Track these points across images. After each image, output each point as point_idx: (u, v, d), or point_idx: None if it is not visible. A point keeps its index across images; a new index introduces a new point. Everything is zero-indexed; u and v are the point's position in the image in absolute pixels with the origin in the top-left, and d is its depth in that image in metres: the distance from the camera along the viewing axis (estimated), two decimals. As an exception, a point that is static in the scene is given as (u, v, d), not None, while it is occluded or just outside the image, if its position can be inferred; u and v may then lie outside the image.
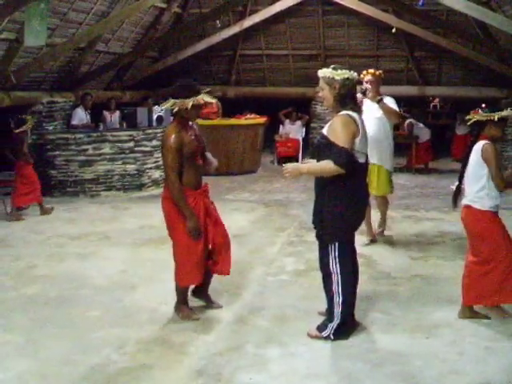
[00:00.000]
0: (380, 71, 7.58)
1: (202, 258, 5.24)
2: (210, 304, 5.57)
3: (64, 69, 12.79)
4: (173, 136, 5.02)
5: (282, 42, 16.33)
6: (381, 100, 7.27)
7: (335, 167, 4.48)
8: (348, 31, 15.74)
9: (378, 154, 7.40)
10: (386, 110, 7.30)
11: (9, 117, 9.88)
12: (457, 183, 5.25)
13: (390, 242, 7.81)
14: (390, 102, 7.37)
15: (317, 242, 4.96)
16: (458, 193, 5.24)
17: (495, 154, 4.90)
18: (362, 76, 7.25)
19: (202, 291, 5.60)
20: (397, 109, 7.48)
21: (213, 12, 14.50)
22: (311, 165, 4.79)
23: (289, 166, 4.74)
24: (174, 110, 5.08)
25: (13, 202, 9.49)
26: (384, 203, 7.92)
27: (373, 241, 7.78)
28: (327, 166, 4.53)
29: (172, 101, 5.08)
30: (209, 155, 5.52)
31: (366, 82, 7.37)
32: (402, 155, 15.19)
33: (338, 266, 4.75)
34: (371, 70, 7.45)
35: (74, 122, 11.95)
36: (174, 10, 14.77)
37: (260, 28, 15.95)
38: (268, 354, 4.60)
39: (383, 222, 8.06)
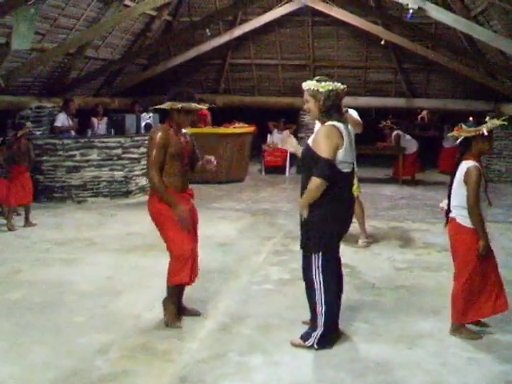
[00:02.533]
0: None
1: (194, 256, 5.27)
2: (187, 313, 5.54)
3: (53, 74, 12.78)
4: (159, 133, 5.12)
5: (271, 52, 16.39)
6: (346, 111, 7.42)
7: (319, 180, 4.53)
8: (337, 42, 15.83)
9: None
10: (352, 121, 7.44)
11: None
12: (446, 201, 5.22)
13: (376, 254, 7.86)
14: (354, 113, 7.52)
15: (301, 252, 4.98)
16: (449, 210, 5.16)
17: (477, 179, 4.85)
18: None
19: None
20: (360, 120, 7.61)
21: (203, 20, 14.56)
22: (306, 193, 4.69)
23: (301, 210, 4.75)
24: (168, 107, 5.15)
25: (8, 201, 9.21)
26: (360, 205, 8.05)
27: (370, 242, 8.21)
28: (314, 182, 4.57)
29: (167, 103, 5.16)
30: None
31: None
32: (389, 166, 15.31)
33: (321, 275, 4.76)
34: None
35: (57, 123, 11.85)
36: (165, 17, 14.81)
37: (250, 37, 16.02)
38: (251, 363, 4.60)
39: (363, 227, 8.20)
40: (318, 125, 6.26)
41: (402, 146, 14.32)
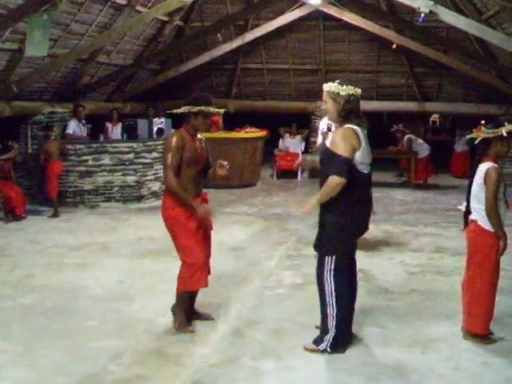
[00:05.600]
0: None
1: (206, 263, 5.26)
2: (199, 317, 5.55)
3: (65, 80, 12.85)
4: (175, 137, 5.14)
5: (282, 57, 16.42)
6: None
7: (336, 178, 4.49)
8: (349, 46, 15.84)
9: None
10: None
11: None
12: (465, 203, 5.17)
13: (389, 258, 7.83)
14: None
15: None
16: (468, 213, 5.12)
17: (497, 179, 4.82)
18: None
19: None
20: None
21: (214, 25, 14.61)
22: (321, 191, 4.66)
23: (305, 206, 4.75)
24: (186, 110, 5.16)
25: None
26: None
27: None
28: (330, 181, 4.53)
29: (184, 107, 5.18)
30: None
31: None
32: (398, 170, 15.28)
33: (332, 278, 4.74)
34: None
35: (69, 131, 11.90)
36: (176, 22, 14.85)
37: (261, 42, 16.05)
38: (264, 367, 4.59)
39: None
40: (323, 122, 6.21)
41: (413, 150, 14.27)
